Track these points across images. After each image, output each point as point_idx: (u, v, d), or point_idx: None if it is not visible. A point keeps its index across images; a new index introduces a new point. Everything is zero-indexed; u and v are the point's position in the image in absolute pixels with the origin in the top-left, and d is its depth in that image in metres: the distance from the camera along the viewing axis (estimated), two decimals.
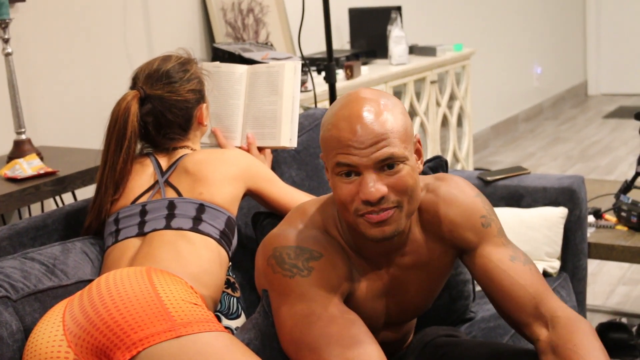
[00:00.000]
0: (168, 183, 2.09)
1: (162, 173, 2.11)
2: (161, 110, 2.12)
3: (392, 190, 1.57)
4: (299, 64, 2.42)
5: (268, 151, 2.42)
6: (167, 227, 2.00)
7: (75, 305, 1.74)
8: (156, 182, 2.09)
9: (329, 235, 1.72)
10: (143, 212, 2.04)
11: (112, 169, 2.08)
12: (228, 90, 2.43)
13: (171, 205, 2.03)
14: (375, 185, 1.55)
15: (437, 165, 2.31)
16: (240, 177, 2.12)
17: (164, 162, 2.14)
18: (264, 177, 2.17)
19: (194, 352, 1.63)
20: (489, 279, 1.74)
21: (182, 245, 1.97)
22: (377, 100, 1.59)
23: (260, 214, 2.22)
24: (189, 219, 2.01)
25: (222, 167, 2.10)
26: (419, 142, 1.66)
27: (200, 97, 2.19)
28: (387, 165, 1.56)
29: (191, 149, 2.18)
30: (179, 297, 1.73)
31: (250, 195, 2.18)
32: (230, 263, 2.17)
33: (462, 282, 2.31)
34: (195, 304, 1.74)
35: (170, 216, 2.01)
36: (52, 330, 1.71)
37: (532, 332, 1.70)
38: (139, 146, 2.18)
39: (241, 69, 2.45)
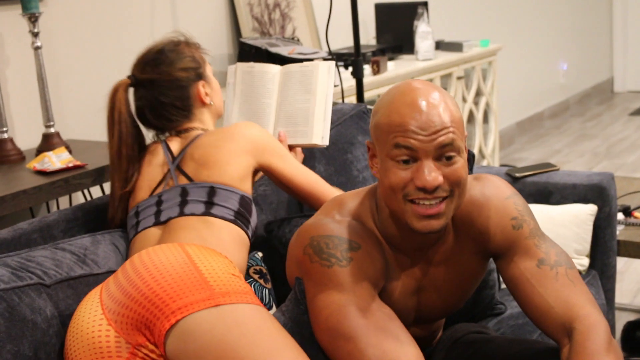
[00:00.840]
0: (179, 169, 2.08)
1: (174, 159, 2.10)
2: (153, 94, 2.13)
3: (446, 180, 1.57)
4: (332, 64, 2.40)
5: (299, 150, 2.41)
6: (181, 213, 2.00)
7: (111, 284, 1.75)
8: (169, 170, 2.09)
9: (366, 227, 1.71)
10: (159, 202, 2.05)
11: (111, 157, 2.12)
12: (260, 89, 2.42)
13: (184, 192, 2.03)
14: (433, 173, 1.55)
15: None
16: (248, 151, 2.09)
17: (176, 146, 2.13)
18: (274, 151, 2.13)
19: (232, 322, 1.63)
20: (514, 287, 1.73)
21: (202, 229, 1.97)
22: (435, 91, 1.60)
23: (272, 223, 2.21)
24: (201, 203, 2.01)
25: (228, 145, 2.08)
26: (465, 140, 1.65)
27: (195, 75, 2.16)
28: (446, 155, 1.56)
29: (202, 129, 2.17)
30: (217, 268, 1.73)
31: (263, 172, 2.15)
32: (261, 253, 2.16)
33: (487, 271, 2.30)
34: (234, 275, 1.74)
35: (183, 203, 2.02)
36: (92, 312, 1.72)
37: (556, 341, 1.69)
38: (149, 135, 2.19)
39: (274, 69, 2.44)
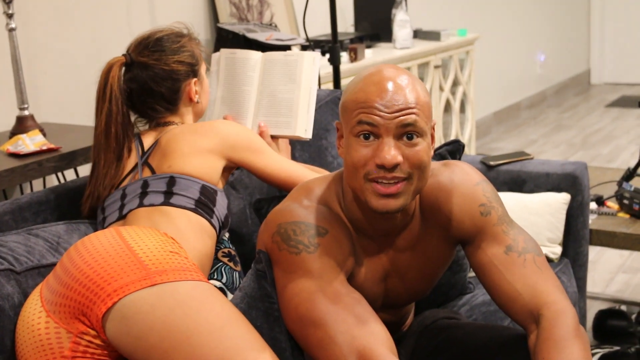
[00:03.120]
0: (146, 163, 2.07)
1: (144, 153, 2.09)
2: (145, 79, 2.10)
3: (406, 161, 1.57)
4: (318, 55, 2.38)
5: (285, 141, 2.37)
6: (140, 205, 1.99)
7: (51, 277, 1.74)
8: (137, 164, 2.08)
9: (333, 212, 1.71)
10: (123, 196, 2.04)
11: (98, 134, 2.07)
12: (241, 76, 2.38)
13: (145, 184, 2.02)
14: (392, 151, 1.55)
15: (455, 149, 2.30)
16: (215, 150, 2.06)
17: (149, 140, 2.11)
18: (247, 148, 2.11)
19: (173, 302, 1.62)
20: (482, 273, 1.74)
21: (157, 218, 1.95)
22: (405, 74, 1.62)
23: (261, 201, 2.20)
24: (160, 194, 1.99)
25: (194, 139, 2.06)
26: (433, 128, 1.66)
27: (190, 71, 2.15)
28: (407, 135, 1.57)
29: (180, 124, 2.15)
30: (152, 246, 1.71)
31: (238, 166, 2.14)
32: (227, 234, 2.15)
33: (463, 256, 2.32)
34: (172, 252, 1.73)
35: (143, 195, 2.00)
36: (32, 306, 1.71)
37: (524, 327, 1.70)
38: (132, 118, 2.16)
39: (256, 55, 2.40)
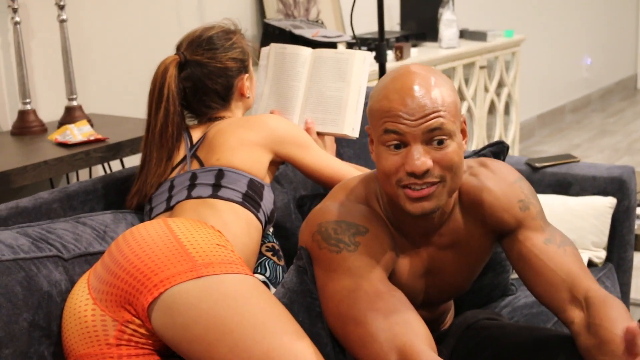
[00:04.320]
0: (195, 155, 2.09)
1: (192, 146, 2.11)
2: (199, 76, 2.13)
3: (437, 165, 1.57)
4: (369, 55, 2.38)
5: (331, 139, 2.38)
6: (189, 197, 2.01)
7: (98, 265, 1.77)
8: (185, 156, 2.10)
9: (373, 210, 1.72)
10: (171, 188, 2.06)
11: (152, 133, 2.09)
12: (290, 72, 2.39)
13: (193, 177, 2.04)
14: (422, 158, 1.55)
15: (499, 150, 2.28)
16: (262, 144, 2.08)
17: (197, 133, 2.13)
18: (293, 142, 2.12)
19: (219, 295, 1.63)
20: (522, 263, 1.74)
21: (204, 211, 1.97)
22: (429, 75, 1.60)
23: (304, 197, 2.21)
24: (208, 186, 2.01)
25: (241, 133, 2.07)
26: (464, 122, 1.66)
27: (242, 67, 2.18)
28: (435, 139, 1.56)
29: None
30: (200, 239, 1.73)
31: (286, 161, 2.16)
32: (272, 228, 2.16)
33: (504, 257, 2.30)
34: (219, 245, 1.74)
35: (191, 187, 2.02)
36: (80, 293, 1.74)
37: (566, 316, 1.69)
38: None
39: (306, 51, 2.40)
